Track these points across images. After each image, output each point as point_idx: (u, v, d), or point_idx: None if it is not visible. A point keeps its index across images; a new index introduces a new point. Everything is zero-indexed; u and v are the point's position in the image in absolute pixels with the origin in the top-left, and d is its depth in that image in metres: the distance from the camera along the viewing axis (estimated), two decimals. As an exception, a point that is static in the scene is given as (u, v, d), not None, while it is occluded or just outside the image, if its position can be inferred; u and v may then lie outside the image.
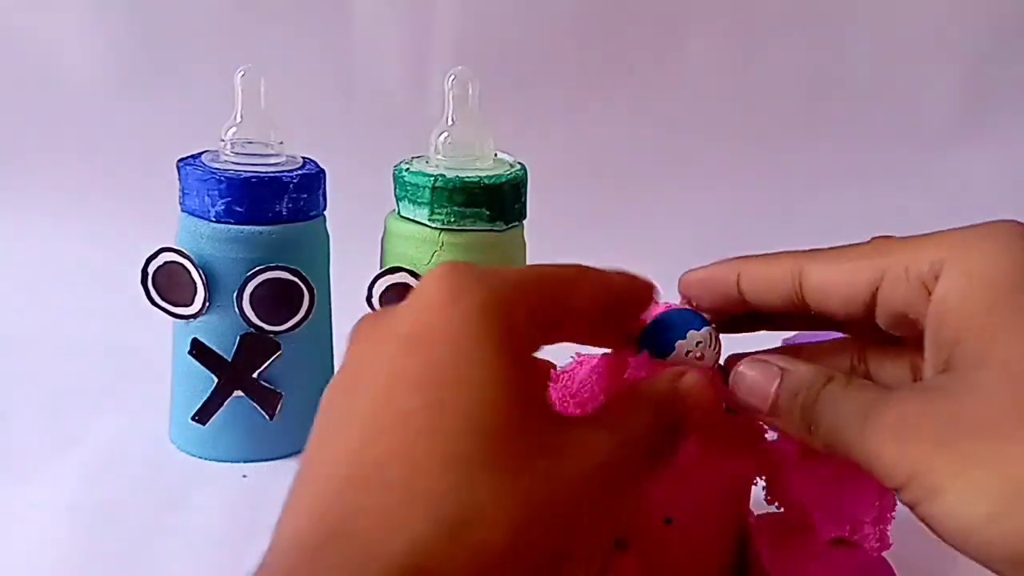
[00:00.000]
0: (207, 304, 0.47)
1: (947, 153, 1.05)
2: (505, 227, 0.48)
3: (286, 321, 0.48)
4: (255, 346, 0.48)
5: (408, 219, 0.48)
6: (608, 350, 0.33)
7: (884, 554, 0.34)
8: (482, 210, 0.47)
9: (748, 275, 0.31)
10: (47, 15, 0.99)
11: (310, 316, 0.49)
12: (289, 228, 0.48)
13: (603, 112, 1.03)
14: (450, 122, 0.48)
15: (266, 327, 0.48)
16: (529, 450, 0.23)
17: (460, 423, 0.23)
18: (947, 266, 0.27)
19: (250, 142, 0.48)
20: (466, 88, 0.48)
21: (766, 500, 0.35)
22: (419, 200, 0.47)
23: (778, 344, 0.36)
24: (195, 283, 0.47)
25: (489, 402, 0.23)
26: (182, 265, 0.47)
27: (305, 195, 0.48)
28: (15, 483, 0.47)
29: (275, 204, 0.47)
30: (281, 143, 0.49)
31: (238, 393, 0.49)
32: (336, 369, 0.27)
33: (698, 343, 0.31)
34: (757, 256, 0.31)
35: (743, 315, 0.32)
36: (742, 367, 0.30)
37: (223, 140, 0.48)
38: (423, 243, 0.47)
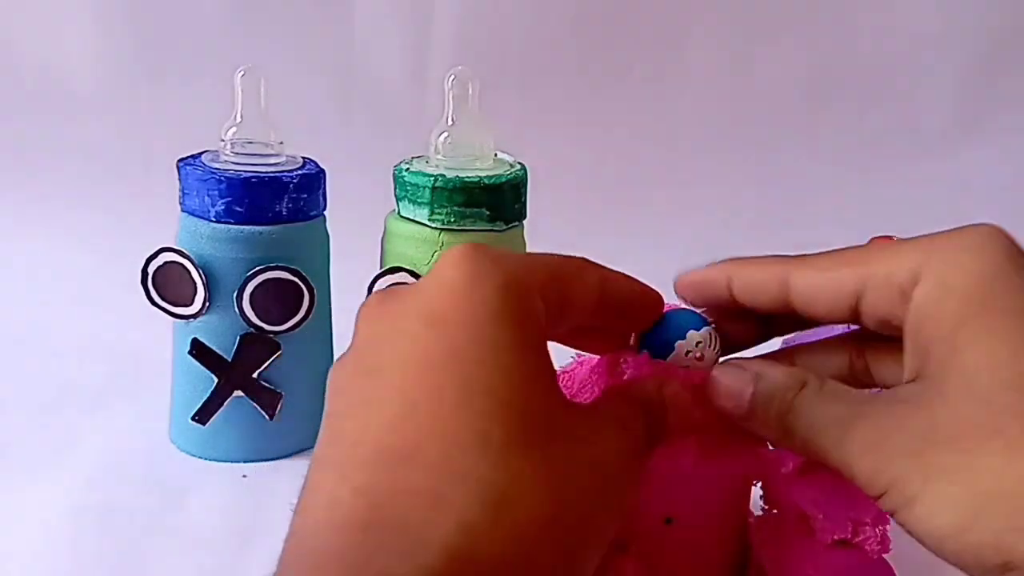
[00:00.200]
0: (207, 304, 0.47)
1: (945, 155, 1.06)
2: (505, 227, 0.48)
3: (286, 321, 0.48)
4: (255, 346, 0.48)
5: (408, 219, 0.48)
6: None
7: (884, 555, 0.34)
8: (482, 210, 0.47)
9: (738, 280, 0.31)
10: (47, 16, 0.99)
11: (310, 316, 0.49)
12: (289, 228, 0.48)
13: (603, 112, 1.03)
14: (450, 122, 0.48)
15: (266, 327, 0.48)
16: (553, 432, 0.24)
17: (489, 402, 0.23)
18: (923, 274, 0.27)
19: (250, 142, 0.48)
20: (466, 88, 0.48)
21: (762, 508, 0.35)
22: (419, 200, 0.47)
23: (778, 343, 0.36)
24: (195, 283, 0.47)
25: (515, 385, 0.24)
26: (182, 265, 0.47)
27: (305, 195, 0.48)
28: (15, 483, 0.47)
29: (275, 204, 0.47)
30: (281, 143, 0.49)
31: (238, 393, 0.49)
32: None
33: (698, 343, 0.31)
34: (748, 260, 0.31)
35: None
36: (716, 372, 0.30)
37: (223, 140, 0.48)
38: (423, 243, 0.47)
